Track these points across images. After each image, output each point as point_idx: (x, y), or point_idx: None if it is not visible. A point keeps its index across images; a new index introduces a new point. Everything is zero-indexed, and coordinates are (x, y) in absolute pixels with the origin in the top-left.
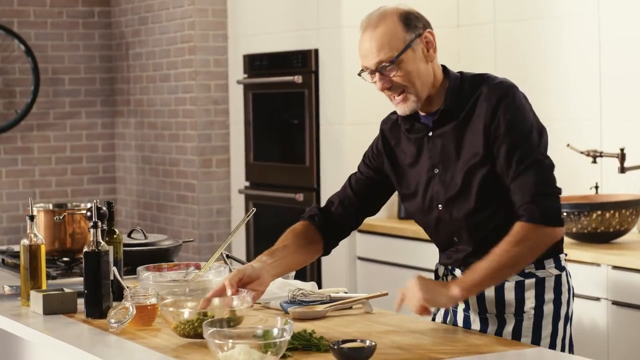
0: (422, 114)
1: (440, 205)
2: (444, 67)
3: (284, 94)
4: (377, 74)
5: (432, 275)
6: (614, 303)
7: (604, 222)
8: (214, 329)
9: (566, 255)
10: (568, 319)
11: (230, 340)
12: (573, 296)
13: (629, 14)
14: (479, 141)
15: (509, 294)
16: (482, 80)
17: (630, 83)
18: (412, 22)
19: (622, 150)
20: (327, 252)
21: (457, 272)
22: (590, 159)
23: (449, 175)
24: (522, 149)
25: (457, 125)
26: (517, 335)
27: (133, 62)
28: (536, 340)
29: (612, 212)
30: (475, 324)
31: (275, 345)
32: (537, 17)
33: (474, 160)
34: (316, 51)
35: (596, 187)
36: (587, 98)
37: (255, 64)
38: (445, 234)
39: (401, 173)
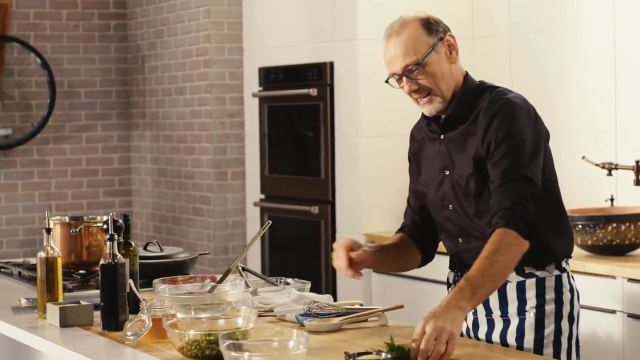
0: (442, 115)
1: (450, 206)
2: (466, 73)
3: (299, 106)
4: (404, 78)
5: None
6: (630, 316)
7: (619, 235)
8: (230, 341)
9: (568, 259)
10: (573, 319)
11: (247, 353)
12: (578, 298)
13: None
14: (474, 152)
15: (511, 294)
16: (492, 92)
17: None
18: (433, 26)
19: (637, 162)
20: (425, 262)
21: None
22: (606, 172)
23: (456, 177)
24: (509, 163)
25: (463, 131)
26: (521, 333)
27: (149, 75)
28: (539, 338)
29: (627, 224)
30: (483, 325)
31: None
32: (553, 29)
33: (470, 171)
34: (331, 64)
35: (611, 200)
36: (602, 110)
37: (271, 76)
38: (452, 235)
39: (420, 170)
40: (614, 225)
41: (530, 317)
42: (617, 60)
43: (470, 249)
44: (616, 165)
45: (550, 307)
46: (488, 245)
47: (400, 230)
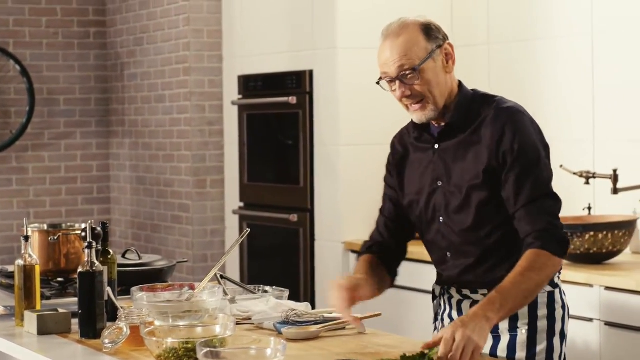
0: (434, 124)
1: (442, 218)
2: (459, 82)
3: (278, 114)
4: (397, 81)
5: (429, 297)
6: (607, 324)
7: (596, 243)
8: (208, 349)
9: (560, 273)
10: (564, 336)
11: None
12: (568, 314)
13: (621, 36)
14: (481, 165)
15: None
16: (492, 101)
17: (624, 105)
18: (433, 32)
19: (615, 171)
20: (392, 282)
21: (453, 290)
22: (584, 180)
23: (451, 188)
24: (533, 178)
25: (462, 141)
26: (512, 350)
27: (128, 83)
28: (531, 356)
29: (605, 233)
30: None
31: None
32: (532, 38)
33: (475, 181)
34: (311, 72)
35: (589, 208)
36: (580, 119)
37: (250, 84)
38: (440, 248)
39: (405, 181)
40: (592, 233)
41: (522, 334)
42: (596, 69)
43: (459, 264)
44: (594, 174)
45: (542, 324)
46: (523, 262)
47: (368, 250)
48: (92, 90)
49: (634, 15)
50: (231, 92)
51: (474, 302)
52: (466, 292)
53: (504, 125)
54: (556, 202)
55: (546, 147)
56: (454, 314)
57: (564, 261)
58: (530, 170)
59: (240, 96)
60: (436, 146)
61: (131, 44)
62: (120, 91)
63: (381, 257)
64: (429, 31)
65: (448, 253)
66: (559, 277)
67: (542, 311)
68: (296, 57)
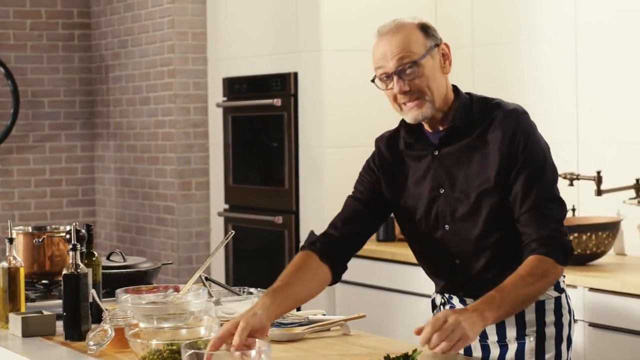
0: (429, 130)
1: (447, 226)
2: (454, 86)
3: (263, 117)
4: (395, 77)
5: (427, 303)
6: (591, 325)
7: (580, 245)
8: (192, 350)
9: (564, 276)
10: (570, 341)
11: None
12: (574, 318)
13: (605, 39)
14: (492, 168)
15: (509, 319)
16: (495, 104)
17: (607, 106)
18: (430, 31)
19: (598, 173)
20: (336, 278)
21: (455, 299)
22: (567, 182)
23: (456, 195)
24: (540, 182)
25: (465, 146)
26: (520, 359)
27: (113, 85)
28: None
29: (588, 234)
30: (477, 352)
31: None
32: (515, 41)
33: (485, 186)
34: (295, 74)
35: (573, 210)
36: (564, 121)
37: (235, 87)
38: (446, 256)
39: (399, 191)
40: (576, 235)
41: (530, 341)
42: (579, 72)
43: (468, 271)
44: (578, 175)
45: (550, 331)
46: (526, 267)
47: (310, 245)
48: (77, 93)
49: (616, 19)
50: (216, 94)
51: None
52: (470, 300)
53: (515, 128)
54: (562, 207)
55: (548, 146)
56: None
57: None
58: (538, 174)
59: (225, 98)
60: (435, 152)
61: (116, 46)
62: (105, 93)
63: (327, 255)
64: (426, 29)
65: (457, 260)
66: (564, 282)
67: (550, 318)
68: (281, 59)
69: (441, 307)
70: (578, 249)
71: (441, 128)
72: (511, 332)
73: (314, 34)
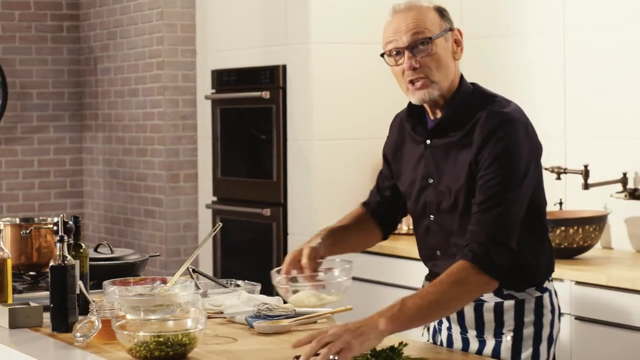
0: (429, 116)
1: (432, 216)
2: (461, 75)
3: (251, 109)
4: (406, 53)
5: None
6: (577, 318)
7: (567, 238)
8: (282, 276)
9: (551, 276)
10: (552, 340)
11: (297, 284)
12: (559, 317)
13: (593, 32)
14: (465, 170)
15: (488, 315)
16: (489, 103)
17: (595, 100)
18: (446, 14)
19: (586, 167)
20: (385, 236)
21: None
22: (555, 175)
23: (441, 188)
24: (499, 187)
25: (453, 143)
26: (496, 355)
27: (101, 77)
28: None
29: (575, 228)
30: (457, 343)
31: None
32: (503, 34)
33: (459, 185)
34: (284, 67)
35: (560, 203)
36: (552, 115)
37: (224, 79)
38: (430, 246)
39: (400, 170)
40: (563, 228)
41: (507, 340)
42: (567, 65)
43: (448, 263)
44: (565, 169)
45: (528, 330)
46: (446, 274)
47: (365, 204)
48: (65, 84)
49: (605, 13)
50: (204, 86)
51: None
52: None
53: (492, 131)
54: (514, 213)
55: (536, 155)
56: None
57: None
58: (500, 179)
59: (214, 90)
60: (428, 141)
61: (104, 38)
62: (94, 85)
63: (377, 214)
64: (442, 12)
65: (438, 252)
66: (549, 281)
67: (529, 317)
68: (269, 51)
69: None
70: (565, 242)
71: (439, 115)
72: (489, 329)
73: (302, 26)
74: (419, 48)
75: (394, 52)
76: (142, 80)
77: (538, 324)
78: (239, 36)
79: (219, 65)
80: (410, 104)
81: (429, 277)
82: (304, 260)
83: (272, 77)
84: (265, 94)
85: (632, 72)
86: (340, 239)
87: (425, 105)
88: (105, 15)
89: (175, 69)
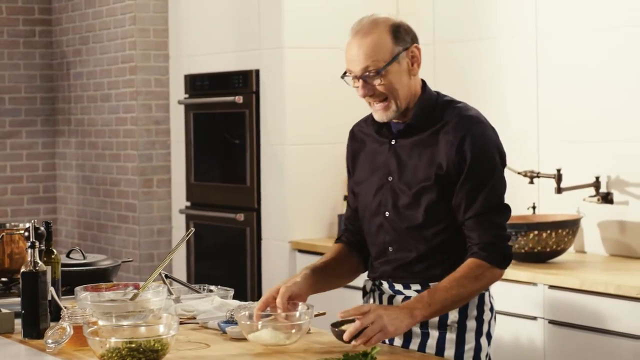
0: (394, 121)
1: (387, 213)
2: (423, 82)
3: (225, 114)
4: (360, 80)
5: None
6: (551, 322)
7: (540, 242)
8: (246, 312)
9: None
10: (490, 336)
11: (260, 322)
12: (495, 317)
13: (566, 37)
14: (435, 168)
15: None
16: (455, 107)
17: (567, 105)
18: (402, 35)
19: (558, 171)
20: (366, 265)
21: (385, 285)
22: (528, 180)
23: (401, 186)
24: (486, 190)
25: (418, 142)
26: (440, 348)
27: (74, 82)
28: (459, 354)
29: (548, 232)
30: (400, 337)
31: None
32: (476, 38)
33: (426, 183)
34: (257, 72)
35: (533, 208)
36: (524, 119)
37: (197, 84)
38: (382, 242)
39: (358, 168)
40: (536, 232)
41: (451, 332)
42: (540, 70)
43: (399, 259)
44: (538, 173)
45: (471, 324)
46: (462, 269)
47: (338, 239)
48: (38, 89)
49: (577, 17)
50: (177, 91)
51: (406, 298)
52: (399, 287)
53: (465, 135)
54: (506, 213)
55: (503, 157)
56: None
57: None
58: (485, 183)
59: (187, 95)
60: (393, 142)
61: (77, 43)
62: (66, 90)
63: (353, 245)
64: (398, 33)
65: (390, 247)
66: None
67: (472, 312)
68: (242, 56)
69: (371, 293)
70: (538, 246)
71: (403, 120)
72: (433, 322)
73: (275, 31)
74: (371, 77)
75: (352, 76)
76: (115, 85)
77: (479, 320)
78: (212, 41)
79: (192, 70)
80: None
81: (373, 277)
82: (278, 300)
83: (245, 82)
84: (239, 99)
85: (604, 77)
86: (318, 278)
87: None
88: (78, 20)
89: (148, 73)
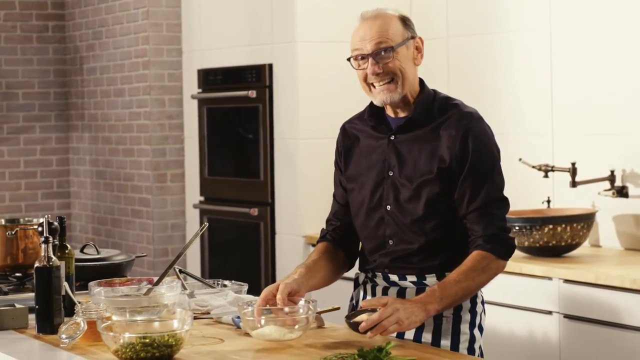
0: (390, 115)
1: (389, 207)
2: (421, 80)
3: (238, 108)
4: (370, 59)
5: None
6: (566, 316)
7: (555, 236)
8: (249, 308)
9: None
10: (482, 328)
11: (263, 318)
12: (485, 311)
13: (579, 30)
14: (437, 162)
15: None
16: (454, 104)
17: (582, 98)
18: (408, 23)
19: (573, 164)
20: (351, 262)
21: (379, 277)
22: (542, 174)
23: (402, 180)
24: (488, 184)
25: (418, 137)
26: (437, 337)
27: (87, 77)
28: (455, 344)
29: (563, 226)
30: None
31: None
32: (490, 32)
33: (427, 176)
34: (270, 66)
35: (548, 202)
36: (538, 113)
37: (210, 78)
38: (381, 236)
39: (349, 166)
40: (551, 226)
41: (447, 322)
42: (553, 63)
43: (398, 251)
44: (552, 167)
45: (466, 316)
46: (469, 262)
47: (322, 238)
48: (51, 84)
49: (591, 9)
50: (191, 85)
51: (401, 289)
52: (394, 278)
53: (467, 130)
54: (505, 205)
55: (499, 153)
56: None
57: (524, 254)
58: (486, 176)
59: (200, 90)
60: (392, 137)
61: (90, 38)
62: (80, 85)
63: (338, 242)
64: (405, 21)
65: (390, 241)
66: None
67: (467, 304)
68: (256, 50)
69: (363, 285)
70: (553, 240)
71: (401, 115)
72: None
73: (288, 25)
74: (381, 55)
75: (359, 57)
76: (128, 80)
77: (473, 312)
78: (225, 35)
79: (205, 64)
80: (370, 105)
81: (367, 269)
82: (278, 296)
83: (258, 76)
84: (252, 93)
85: (619, 70)
86: (313, 274)
87: (387, 106)
88: (91, 14)
89: (162, 68)
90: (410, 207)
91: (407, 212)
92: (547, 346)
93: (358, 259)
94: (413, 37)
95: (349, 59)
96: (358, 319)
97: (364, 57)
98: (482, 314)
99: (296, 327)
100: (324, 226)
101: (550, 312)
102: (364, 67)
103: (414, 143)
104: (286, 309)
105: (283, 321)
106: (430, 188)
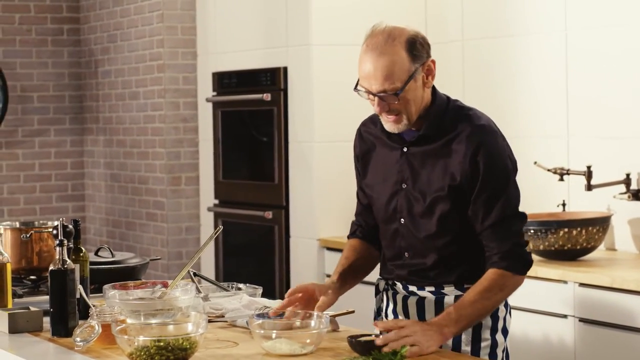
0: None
1: (403, 220)
2: (433, 87)
3: (253, 111)
4: (376, 98)
5: (372, 289)
6: (581, 320)
7: (571, 240)
8: (261, 320)
9: None
10: (507, 331)
11: (274, 332)
12: (510, 313)
13: (595, 32)
14: (449, 179)
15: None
16: (467, 115)
17: (597, 101)
18: (418, 50)
19: (589, 168)
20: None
21: (399, 286)
22: (558, 177)
23: (415, 194)
24: (502, 199)
25: (430, 152)
26: (457, 345)
27: (102, 80)
28: (476, 351)
29: (579, 229)
30: None
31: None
32: (505, 35)
33: (439, 193)
34: (285, 69)
35: (563, 205)
36: (554, 116)
37: (224, 81)
38: (398, 247)
39: (366, 173)
40: (566, 230)
41: (467, 330)
42: (569, 66)
43: (415, 264)
44: (568, 170)
45: (487, 321)
46: (485, 282)
47: (352, 234)
48: (66, 88)
49: (607, 12)
50: (205, 89)
51: (420, 299)
52: (413, 288)
53: (478, 146)
54: (522, 221)
55: (514, 165)
56: (399, 309)
57: (539, 258)
58: (501, 192)
59: (215, 93)
60: (405, 149)
61: (105, 41)
62: (94, 88)
63: (367, 238)
64: (414, 49)
65: (406, 253)
66: None
67: None
68: (270, 53)
69: (384, 292)
70: (568, 244)
71: (416, 128)
72: None
73: (303, 28)
74: (388, 96)
75: (366, 92)
76: (143, 83)
77: (494, 316)
78: (240, 38)
79: (220, 67)
80: None
81: (386, 277)
82: (321, 298)
83: (273, 79)
84: (267, 96)
85: (634, 72)
86: (348, 279)
87: None
88: (106, 18)
89: (176, 71)
90: (424, 222)
91: (421, 227)
92: (562, 350)
93: (379, 264)
94: (423, 64)
95: (355, 88)
96: (362, 339)
97: (370, 92)
98: (507, 316)
99: (308, 340)
100: (354, 219)
101: (565, 316)
102: (373, 102)
103: (427, 158)
104: (297, 323)
105: (295, 335)
106: (443, 205)
